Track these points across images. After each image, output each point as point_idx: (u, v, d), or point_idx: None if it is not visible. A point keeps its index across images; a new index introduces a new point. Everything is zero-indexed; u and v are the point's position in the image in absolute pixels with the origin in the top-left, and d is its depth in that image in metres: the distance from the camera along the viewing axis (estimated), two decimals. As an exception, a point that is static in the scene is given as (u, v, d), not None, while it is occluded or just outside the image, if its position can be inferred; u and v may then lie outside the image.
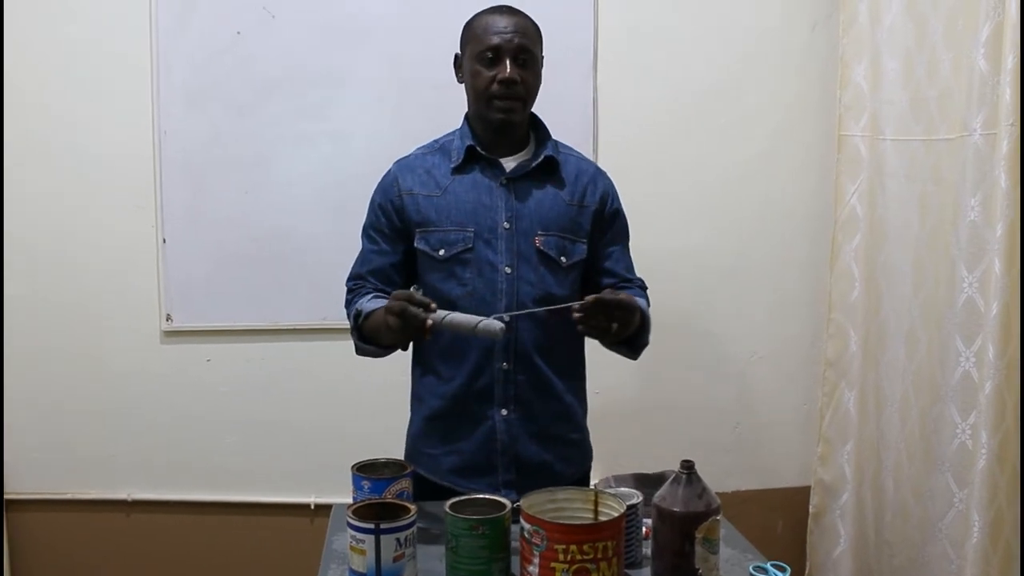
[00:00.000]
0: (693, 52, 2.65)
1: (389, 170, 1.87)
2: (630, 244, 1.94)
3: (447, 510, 1.41)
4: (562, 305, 1.65)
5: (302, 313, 2.61)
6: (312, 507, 2.64)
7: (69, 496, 2.64)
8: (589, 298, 1.57)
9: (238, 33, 2.52)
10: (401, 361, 1.88)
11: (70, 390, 2.62)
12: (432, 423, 1.85)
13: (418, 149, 1.89)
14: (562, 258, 1.79)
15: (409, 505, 1.43)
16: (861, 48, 2.50)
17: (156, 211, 2.55)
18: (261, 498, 2.67)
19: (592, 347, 1.90)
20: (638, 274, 1.93)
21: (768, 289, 2.74)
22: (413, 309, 1.53)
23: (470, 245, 1.77)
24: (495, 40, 1.72)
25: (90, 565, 2.67)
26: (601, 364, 1.97)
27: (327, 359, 2.58)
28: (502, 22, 1.74)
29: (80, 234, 2.57)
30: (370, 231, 1.87)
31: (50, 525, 2.65)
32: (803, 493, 2.73)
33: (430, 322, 1.52)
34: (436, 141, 1.88)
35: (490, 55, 1.73)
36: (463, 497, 1.48)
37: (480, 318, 1.54)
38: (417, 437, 1.88)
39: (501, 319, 1.60)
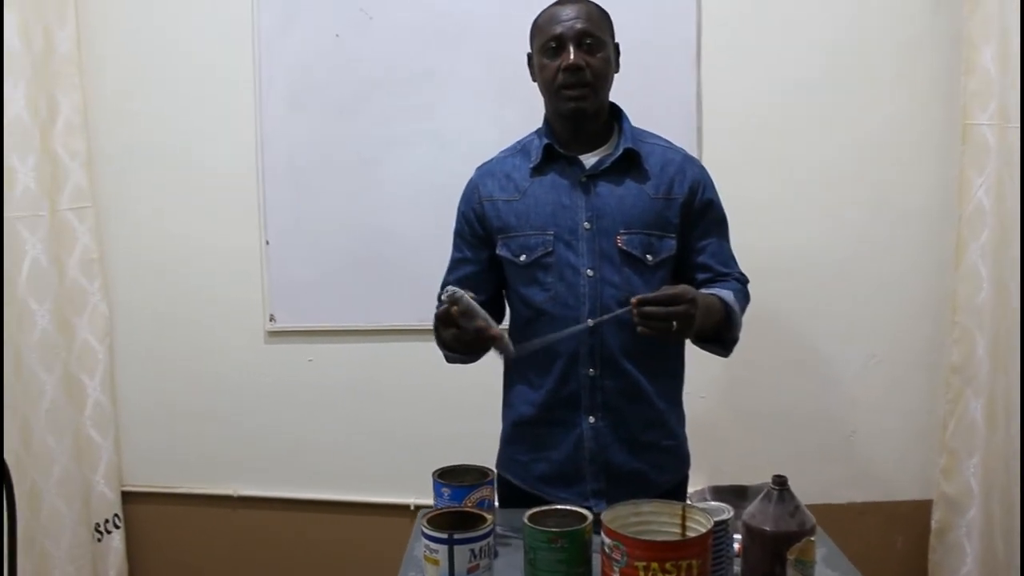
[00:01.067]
0: (802, 39, 2.50)
1: (471, 177, 1.85)
2: (731, 238, 1.82)
3: (525, 521, 1.37)
4: (621, 310, 1.57)
5: (403, 314, 2.60)
6: (412, 508, 2.63)
7: (180, 491, 2.74)
8: (633, 300, 1.50)
9: (337, 36, 2.54)
10: (500, 365, 1.85)
11: (180, 389, 2.70)
12: (521, 430, 1.81)
13: (501, 152, 1.86)
14: (648, 256, 1.72)
15: (486, 515, 1.39)
16: (989, 29, 2.31)
17: (260, 213, 2.61)
18: (360, 498, 2.68)
19: (694, 349, 1.81)
20: (742, 270, 1.82)
21: (885, 288, 2.57)
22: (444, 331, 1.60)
23: (550, 249, 1.72)
24: (557, 29, 1.68)
25: (198, 556, 2.75)
26: (706, 367, 1.88)
27: (427, 360, 2.49)
28: (563, 12, 1.70)
29: (186, 236, 2.65)
30: (457, 238, 1.86)
31: (162, 517, 2.75)
32: (924, 507, 2.55)
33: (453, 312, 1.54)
34: (519, 142, 1.84)
35: (553, 44, 1.68)
36: (544, 508, 1.43)
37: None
38: (508, 443, 1.86)
39: (587, 324, 1.61)
